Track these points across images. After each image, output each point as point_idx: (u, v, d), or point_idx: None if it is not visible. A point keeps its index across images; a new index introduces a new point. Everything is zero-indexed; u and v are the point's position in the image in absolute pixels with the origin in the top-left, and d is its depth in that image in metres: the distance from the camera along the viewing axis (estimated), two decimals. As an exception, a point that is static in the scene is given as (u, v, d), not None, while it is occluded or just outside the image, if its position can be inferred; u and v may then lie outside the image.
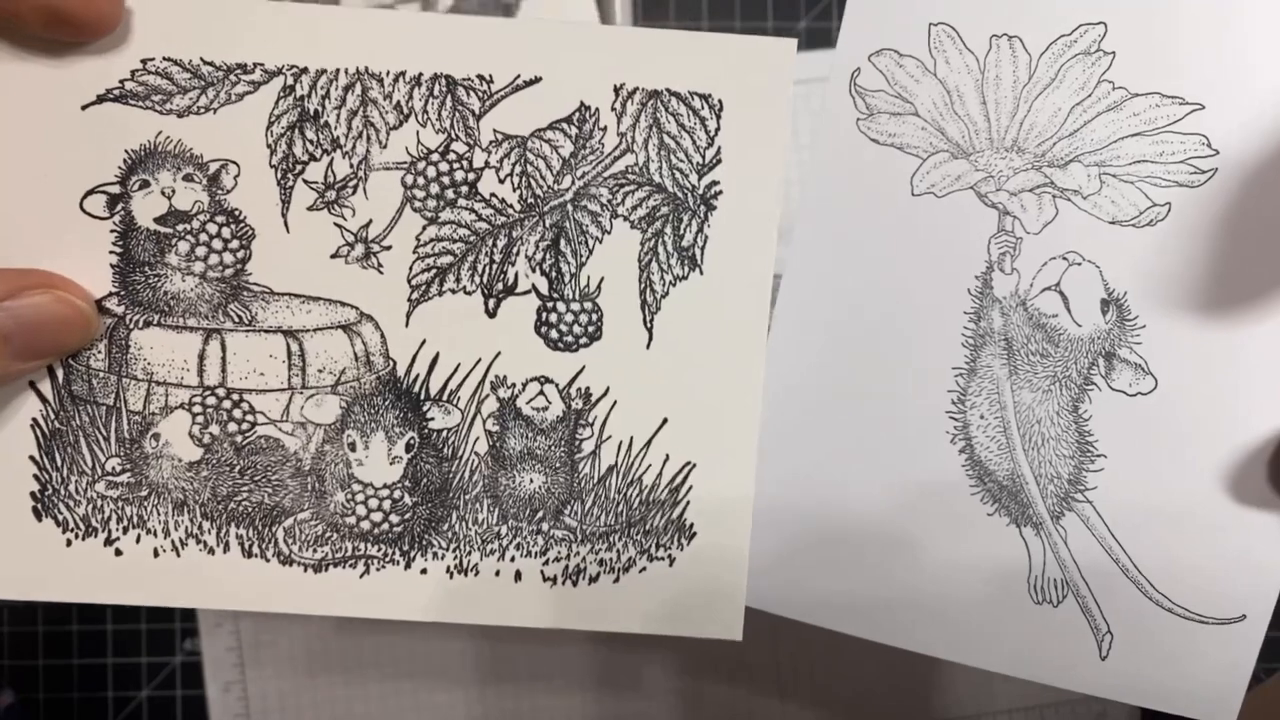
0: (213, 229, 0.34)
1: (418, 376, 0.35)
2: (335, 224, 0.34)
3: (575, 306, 0.34)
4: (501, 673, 0.58)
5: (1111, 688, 0.36)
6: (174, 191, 0.33)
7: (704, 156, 0.34)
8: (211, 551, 0.34)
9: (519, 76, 0.33)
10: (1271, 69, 0.34)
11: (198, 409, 0.34)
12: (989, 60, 0.35)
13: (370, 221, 0.34)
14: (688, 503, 0.35)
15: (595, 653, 0.58)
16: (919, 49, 0.35)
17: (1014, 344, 0.36)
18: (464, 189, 0.34)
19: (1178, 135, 0.35)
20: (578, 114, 0.34)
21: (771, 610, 0.37)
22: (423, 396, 0.35)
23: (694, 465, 0.35)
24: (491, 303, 0.34)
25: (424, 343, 0.34)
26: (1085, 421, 0.36)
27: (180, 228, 0.34)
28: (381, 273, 0.34)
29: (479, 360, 0.35)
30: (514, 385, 0.35)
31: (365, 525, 0.35)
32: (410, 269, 0.34)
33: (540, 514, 0.35)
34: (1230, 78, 0.35)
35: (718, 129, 0.34)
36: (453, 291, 0.34)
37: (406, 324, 0.34)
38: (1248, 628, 0.36)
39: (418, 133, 0.33)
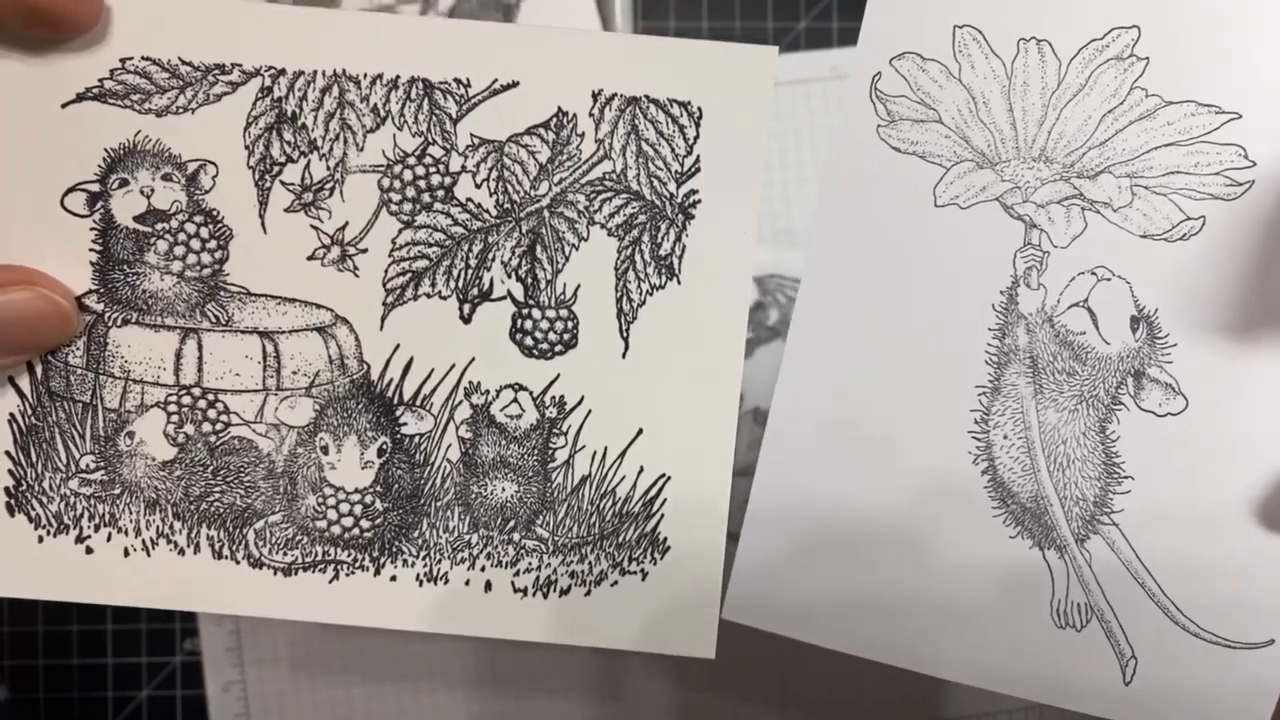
0: (191, 229, 0.34)
1: (391, 381, 0.34)
2: (312, 226, 0.34)
3: (551, 314, 0.34)
4: (500, 674, 0.58)
5: (1135, 713, 0.35)
6: (153, 191, 0.33)
7: (682, 165, 0.33)
8: (182, 552, 0.34)
9: (496, 80, 0.33)
10: None
11: (173, 408, 0.34)
12: (1016, 65, 0.34)
13: (346, 224, 0.34)
14: (661, 516, 0.35)
15: (594, 655, 0.58)
16: (943, 53, 0.34)
17: (1040, 362, 0.35)
18: (440, 193, 0.34)
19: (1213, 146, 0.34)
20: (555, 119, 0.33)
21: (783, 633, 0.36)
22: (396, 401, 0.34)
23: (669, 478, 0.35)
24: (466, 308, 0.34)
25: (398, 347, 0.34)
26: (1112, 442, 0.35)
27: (159, 227, 0.34)
28: (357, 276, 0.34)
29: (453, 366, 0.34)
30: (488, 392, 0.34)
31: (336, 530, 0.34)
32: (386, 272, 0.34)
33: (512, 523, 0.35)
34: (1268, 86, 0.33)
35: (697, 137, 0.33)
36: (428, 296, 0.34)
37: (381, 328, 0.34)
38: (1276, 653, 0.35)
39: (394, 136, 0.33)
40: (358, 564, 0.35)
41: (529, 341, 0.34)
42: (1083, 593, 0.35)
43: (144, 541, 0.34)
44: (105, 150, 0.33)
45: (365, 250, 0.34)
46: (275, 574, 0.35)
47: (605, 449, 0.35)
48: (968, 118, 0.34)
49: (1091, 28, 0.34)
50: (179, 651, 0.60)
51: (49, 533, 0.34)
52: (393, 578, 0.35)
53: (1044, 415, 0.35)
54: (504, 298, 0.34)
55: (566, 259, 0.34)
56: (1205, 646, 0.35)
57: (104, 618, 0.60)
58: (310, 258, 0.34)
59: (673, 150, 0.33)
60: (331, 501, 0.34)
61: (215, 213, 0.34)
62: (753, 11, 0.60)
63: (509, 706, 0.58)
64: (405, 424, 0.34)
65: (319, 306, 0.34)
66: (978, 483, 0.35)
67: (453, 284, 0.34)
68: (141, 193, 0.33)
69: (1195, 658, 0.35)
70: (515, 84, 0.33)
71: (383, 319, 0.34)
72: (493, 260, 0.34)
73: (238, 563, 0.34)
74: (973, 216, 0.35)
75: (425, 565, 0.35)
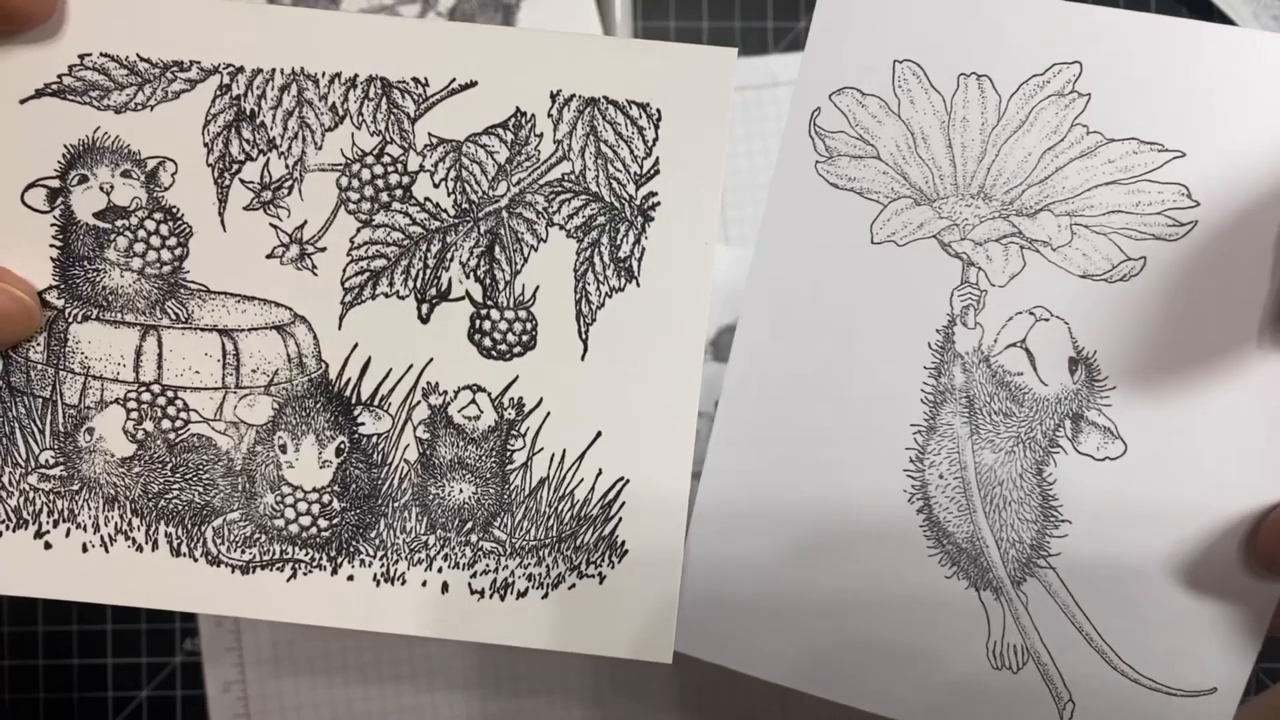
0: (151, 226, 0.34)
1: (349, 380, 0.34)
2: (271, 224, 0.34)
3: (510, 315, 0.34)
4: (501, 675, 0.58)
5: None
6: (112, 187, 0.33)
7: (642, 167, 0.33)
8: (140, 549, 0.34)
9: (454, 80, 0.33)
10: (1255, 115, 0.32)
11: (132, 404, 0.34)
12: (956, 100, 0.33)
13: (305, 223, 0.34)
14: (620, 519, 0.34)
15: (592, 655, 0.58)
16: (883, 88, 0.34)
17: (976, 402, 0.34)
18: (398, 192, 0.33)
19: (1155, 185, 0.33)
20: (514, 119, 0.33)
21: (728, 665, 0.36)
22: (354, 401, 0.34)
23: (627, 481, 0.34)
24: (424, 308, 0.34)
25: (356, 346, 0.34)
26: (1049, 485, 0.34)
27: (119, 224, 0.34)
28: (316, 274, 0.34)
29: (411, 366, 0.34)
30: (446, 393, 0.34)
31: (294, 529, 0.34)
32: (344, 271, 0.34)
33: (469, 525, 0.35)
34: (1213, 124, 0.32)
35: (656, 139, 0.33)
36: (386, 295, 0.34)
37: (339, 327, 0.34)
38: (1219, 701, 0.34)
39: (353, 135, 0.33)
40: (315, 563, 0.35)
41: (487, 342, 0.34)
42: (1019, 635, 0.35)
43: (102, 538, 0.34)
44: (65, 146, 0.33)
45: (324, 249, 0.34)
46: (233, 572, 0.35)
47: (564, 451, 0.34)
48: (906, 154, 0.34)
49: (1033, 63, 0.33)
50: (179, 651, 0.60)
51: (8, 528, 0.34)
52: (350, 577, 0.35)
53: (980, 455, 0.34)
54: (462, 298, 0.34)
55: (525, 260, 0.34)
56: (1144, 693, 0.34)
57: (104, 618, 0.60)
58: (269, 256, 0.34)
59: (631, 152, 0.33)
60: (289, 500, 0.34)
61: (175, 210, 0.34)
62: (753, 11, 0.60)
63: (509, 706, 0.58)
64: (363, 424, 0.34)
65: (278, 305, 0.34)
66: (913, 522, 0.35)
67: (411, 284, 0.34)
68: (101, 189, 0.33)
69: (1134, 704, 0.34)
70: (474, 83, 0.33)
71: (341, 318, 0.34)
72: (451, 260, 0.34)
73: (195, 560, 0.34)
74: (910, 254, 0.34)
75: (382, 566, 0.35)
